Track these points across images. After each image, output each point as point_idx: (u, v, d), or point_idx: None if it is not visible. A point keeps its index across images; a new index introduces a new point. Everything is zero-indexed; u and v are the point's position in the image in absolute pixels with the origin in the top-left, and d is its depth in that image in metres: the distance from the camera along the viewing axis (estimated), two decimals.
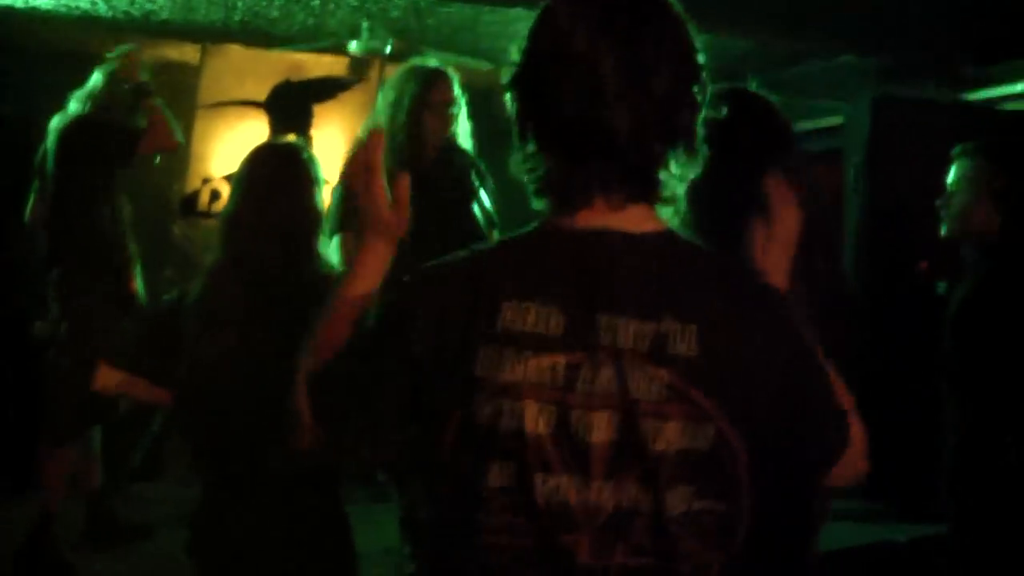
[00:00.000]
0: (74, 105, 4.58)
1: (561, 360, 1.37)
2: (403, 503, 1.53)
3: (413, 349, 1.42)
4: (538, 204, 1.48)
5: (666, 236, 1.46)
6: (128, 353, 2.63)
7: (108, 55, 4.69)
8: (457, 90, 3.82)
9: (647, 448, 1.36)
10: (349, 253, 3.56)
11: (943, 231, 3.31)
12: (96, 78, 4.61)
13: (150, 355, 2.61)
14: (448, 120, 3.78)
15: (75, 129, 4.52)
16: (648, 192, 1.44)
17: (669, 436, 1.36)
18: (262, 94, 5.94)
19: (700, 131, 1.46)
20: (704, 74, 1.46)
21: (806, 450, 1.51)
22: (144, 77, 4.68)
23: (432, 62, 3.91)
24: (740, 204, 2.10)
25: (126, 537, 4.75)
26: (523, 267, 1.44)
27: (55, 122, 4.59)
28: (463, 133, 3.85)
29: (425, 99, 3.76)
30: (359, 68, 6.37)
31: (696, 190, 1.93)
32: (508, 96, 1.47)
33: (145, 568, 4.38)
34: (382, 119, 3.85)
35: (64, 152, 4.51)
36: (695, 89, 1.44)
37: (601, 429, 1.36)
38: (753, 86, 2.21)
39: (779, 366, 1.43)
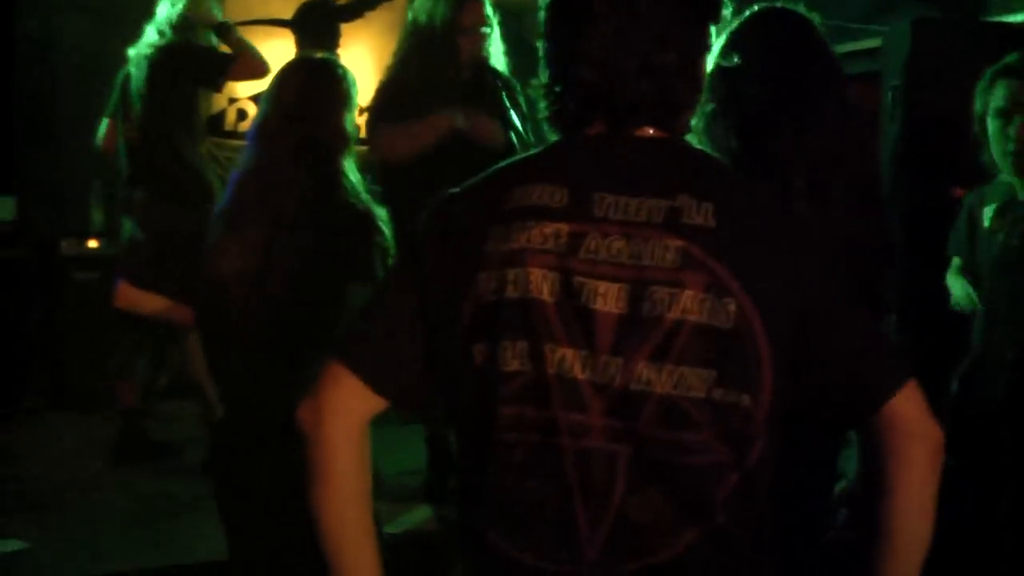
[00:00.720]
0: (153, 35, 4.59)
1: (564, 228, 1.37)
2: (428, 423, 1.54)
3: (425, 267, 1.44)
4: (549, 133, 1.50)
5: (676, 140, 1.47)
6: (151, 272, 2.63)
7: None
8: (489, 10, 3.76)
9: (661, 318, 1.32)
10: (384, 147, 3.58)
11: (1008, 169, 3.05)
12: (168, 8, 4.62)
13: (173, 274, 2.60)
14: (480, 42, 3.72)
15: (169, 54, 4.55)
16: (645, 124, 1.44)
17: (686, 304, 1.32)
18: (288, 12, 5.86)
19: (703, 67, 1.48)
20: (713, 18, 1.46)
21: (840, 379, 1.42)
22: (216, 12, 4.69)
23: None
24: (778, 125, 2.09)
25: (155, 454, 4.82)
26: (533, 162, 1.48)
27: (137, 50, 4.61)
28: (496, 53, 3.80)
29: (457, 22, 3.70)
30: None
31: (732, 109, 1.94)
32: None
33: (172, 485, 4.43)
34: (412, 40, 3.81)
35: (157, 77, 4.54)
36: (695, 30, 1.45)
37: (608, 300, 1.34)
38: (801, 8, 2.18)
39: (805, 273, 1.39)
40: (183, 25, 4.59)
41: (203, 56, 4.67)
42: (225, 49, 4.66)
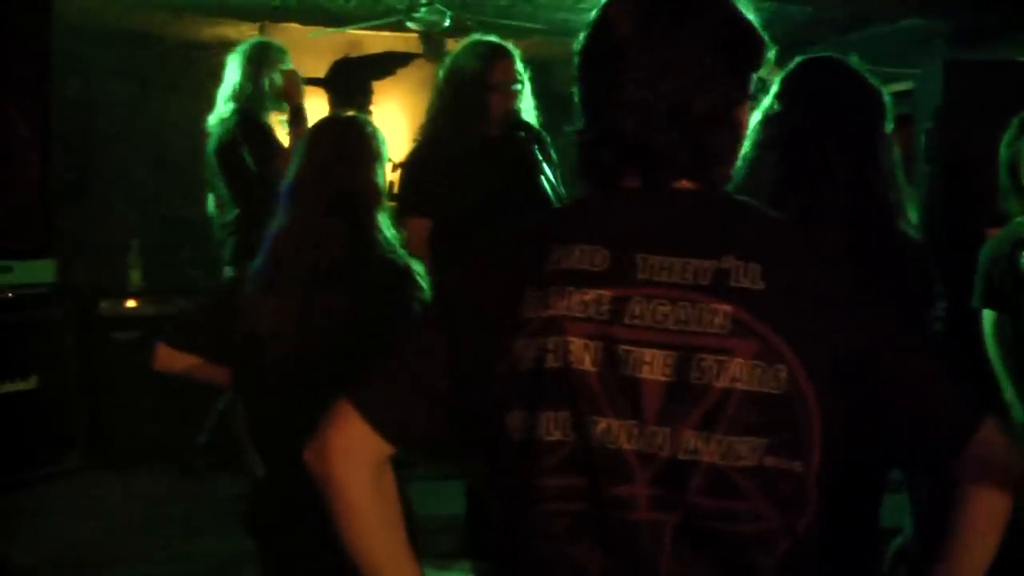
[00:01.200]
0: (221, 105, 4.67)
1: (607, 294, 1.34)
2: (468, 478, 1.52)
3: (454, 322, 1.42)
4: (581, 185, 1.49)
5: (717, 193, 1.44)
6: (188, 333, 2.64)
7: (243, 45, 4.74)
8: (519, 66, 3.75)
9: (709, 387, 1.29)
10: (415, 238, 3.56)
11: None
12: (233, 70, 4.66)
13: (210, 334, 2.61)
14: (511, 97, 3.71)
15: (227, 129, 4.61)
16: (679, 176, 1.41)
17: (735, 373, 1.29)
18: (321, 71, 5.93)
19: (742, 116, 1.45)
20: (752, 65, 1.44)
21: (921, 421, 1.38)
22: (301, 97, 4.69)
23: (493, 37, 3.85)
24: (819, 173, 2.08)
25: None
26: (570, 219, 1.45)
27: (210, 122, 4.69)
28: (527, 108, 3.79)
29: (487, 79, 3.69)
30: (418, 44, 6.35)
31: (775, 157, 1.94)
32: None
33: (214, 542, 4.43)
34: (443, 98, 3.81)
35: (222, 151, 4.62)
36: (733, 78, 1.42)
37: (654, 368, 1.31)
38: (854, 60, 2.17)
39: (862, 324, 1.36)
40: (247, 95, 4.61)
41: (253, 143, 4.65)
42: (285, 134, 4.65)
